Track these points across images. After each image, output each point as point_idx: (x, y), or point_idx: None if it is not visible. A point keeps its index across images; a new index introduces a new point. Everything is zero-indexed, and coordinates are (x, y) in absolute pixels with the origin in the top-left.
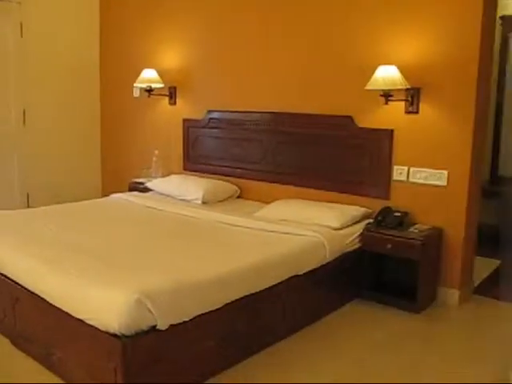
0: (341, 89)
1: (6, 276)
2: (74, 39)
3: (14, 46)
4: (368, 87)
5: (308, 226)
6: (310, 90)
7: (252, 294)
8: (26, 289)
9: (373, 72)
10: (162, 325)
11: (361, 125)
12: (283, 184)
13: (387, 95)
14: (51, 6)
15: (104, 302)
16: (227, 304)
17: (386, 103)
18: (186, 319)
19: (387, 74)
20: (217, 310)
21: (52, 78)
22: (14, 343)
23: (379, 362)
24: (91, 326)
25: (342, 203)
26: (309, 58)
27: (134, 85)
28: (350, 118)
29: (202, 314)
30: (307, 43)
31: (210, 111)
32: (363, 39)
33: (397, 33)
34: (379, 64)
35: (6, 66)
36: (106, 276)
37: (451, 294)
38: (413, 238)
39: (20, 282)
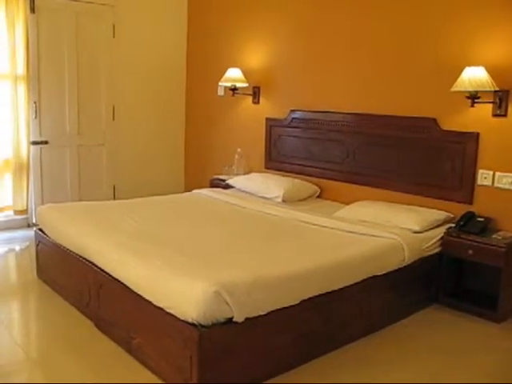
0: (425, 90)
1: (91, 262)
2: (163, 40)
3: (107, 46)
4: (454, 89)
5: (387, 228)
6: (393, 91)
7: (329, 292)
8: (110, 275)
9: (459, 73)
10: (239, 317)
11: (445, 127)
12: (364, 185)
13: (474, 97)
14: (142, 8)
15: (184, 292)
16: (304, 301)
17: (473, 106)
18: (262, 313)
19: (474, 76)
20: (293, 306)
21: (141, 76)
22: (98, 326)
23: (453, 372)
24: (170, 315)
25: (423, 206)
26: (393, 58)
27: (219, 83)
28: (434, 120)
29: (279, 310)
30: (392, 43)
31: (292, 111)
32: (450, 39)
33: (485, 33)
34: (466, 65)
35: (98, 64)
36: (187, 268)
37: None
38: (496, 245)
39: (105, 269)
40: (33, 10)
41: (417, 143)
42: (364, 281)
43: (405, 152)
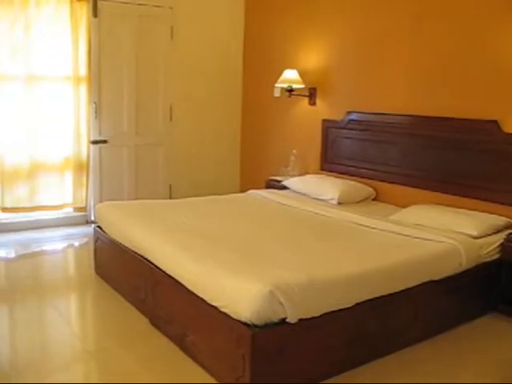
0: (486, 92)
1: (148, 259)
2: (220, 41)
3: (165, 47)
4: None
5: (444, 233)
6: (453, 92)
7: (384, 296)
8: (165, 273)
9: None
10: (292, 318)
11: (507, 130)
12: (420, 188)
13: None
14: (200, 10)
15: (238, 291)
16: (358, 303)
17: None
18: (316, 315)
19: None
20: (347, 308)
21: (198, 77)
22: (153, 323)
23: (506, 381)
24: (224, 314)
25: (481, 211)
26: (452, 58)
27: (276, 85)
28: (495, 122)
29: (332, 312)
30: (451, 43)
31: (349, 112)
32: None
33: None
34: None
35: (156, 65)
36: (241, 267)
37: None
38: None
39: (160, 266)
40: (95, 14)
41: (476, 146)
42: (420, 285)
43: (463, 155)
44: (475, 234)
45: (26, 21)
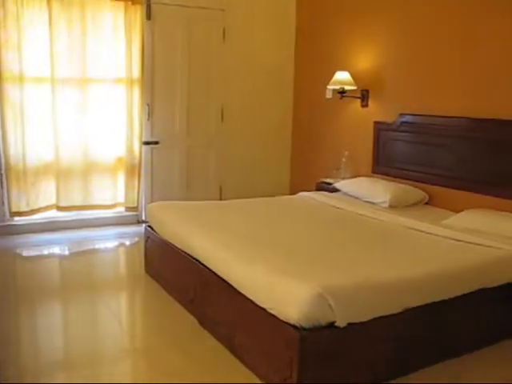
0: None
1: (197, 260)
2: (271, 42)
3: (217, 48)
4: None
5: (500, 239)
6: (509, 94)
7: (435, 303)
8: (215, 274)
9: None
10: (341, 322)
11: None
12: (476, 193)
13: None
14: (251, 12)
15: (287, 294)
16: (408, 309)
17: None
18: (365, 319)
19: None
20: (397, 314)
21: (249, 78)
22: (201, 323)
23: None
24: (272, 316)
25: None
26: (507, 58)
27: (327, 86)
28: None
29: (382, 317)
30: (508, 42)
31: (401, 115)
32: None
33: None
34: None
35: (208, 66)
36: (290, 269)
37: None
38: None
39: (210, 267)
40: (149, 17)
41: None
42: (472, 293)
43: None
44: None
45: (82, 24)
